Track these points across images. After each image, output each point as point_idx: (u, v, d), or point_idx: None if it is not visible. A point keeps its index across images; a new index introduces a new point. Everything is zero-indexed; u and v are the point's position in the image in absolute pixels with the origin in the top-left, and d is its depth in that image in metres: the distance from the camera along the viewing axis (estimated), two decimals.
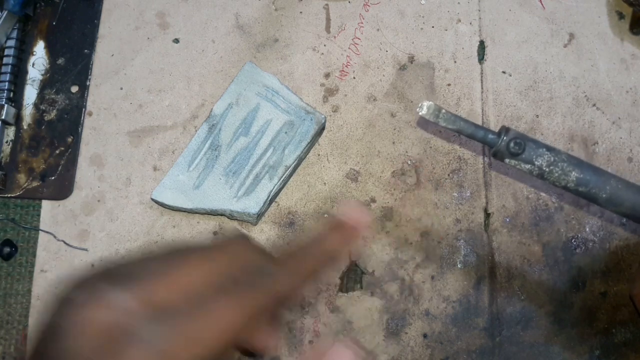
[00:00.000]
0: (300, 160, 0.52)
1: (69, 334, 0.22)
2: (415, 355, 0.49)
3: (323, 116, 0.52)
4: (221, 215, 0.51)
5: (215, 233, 0.51)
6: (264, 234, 0.51)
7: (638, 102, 0.55)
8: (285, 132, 0.51)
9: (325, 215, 0.32)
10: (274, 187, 0.50)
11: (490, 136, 0.39)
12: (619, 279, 0.52)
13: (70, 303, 0.23)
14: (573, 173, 0.39)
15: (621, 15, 0.57)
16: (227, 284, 0.25)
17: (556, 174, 0.39)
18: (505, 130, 0.39)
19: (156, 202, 0.51)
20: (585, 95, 0.55)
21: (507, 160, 0.40)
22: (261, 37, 0.56)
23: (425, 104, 0.39)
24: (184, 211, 0.51)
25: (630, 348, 0.50)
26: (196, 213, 0.51)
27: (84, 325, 0.22)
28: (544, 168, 0.39)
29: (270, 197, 0.50)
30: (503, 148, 0.39)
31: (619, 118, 0.55)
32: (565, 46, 0.57)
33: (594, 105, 0.55)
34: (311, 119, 0.51)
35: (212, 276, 0.25)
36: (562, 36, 0.57)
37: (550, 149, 0.39)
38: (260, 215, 0.51)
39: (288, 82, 0.55)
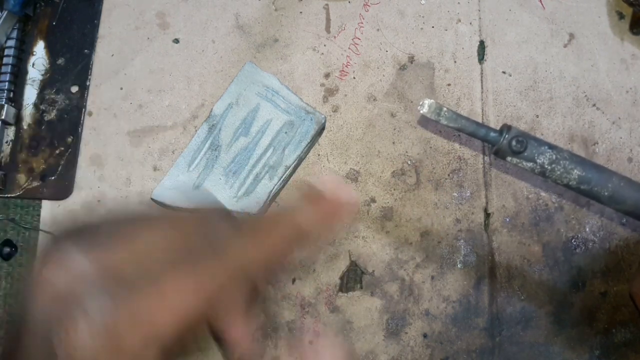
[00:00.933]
0: (300, 160, 0.52)
1: (30, 292, 0.23)
2: (415, 355, 0.49)
3: (323, 116, 0.52)
4: None
5: None
6: None
7: (638, 102, 0.55)
8: (285, 132, 0.51)
9: (305, 184, 0.28)
10: (274, 187, 0.50)
11: (492, 134, 0.39)
12: (619, 279, 0.52)
13: (39, 260, 0.23)
14: (575, 171, 0.39)
15: (621, 15, 0.57)
16: (184, 255, 0.24)
17: (558, 172, 0.39)
18: (507, 128, 0.39)
19: (156, 202, 0.51)
20: (585, 95, 0.55)
21: (508, 159, 0.40)
22: (261, 37, 0.56)
23: (427, 102, 0.39)
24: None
25: (630, 348, 0.50)
26: None
27: (43, 285, 0.23)
28: (546, 166, 0.39)
29: (270, 197, 0.50)
30: (505, 146, 0.39)
31: (619, 118, 0.55)
32: (565, 46, 0.57)
33: (594, 105, 0.55)
34: (311, 119, 0.51)
35: (172, 245, 0.24)
36: (562, 36, 0.57)
37: (552, 146, 0.39)
38: (260, 215, 0.50)
39: (288, 82, 0.55)
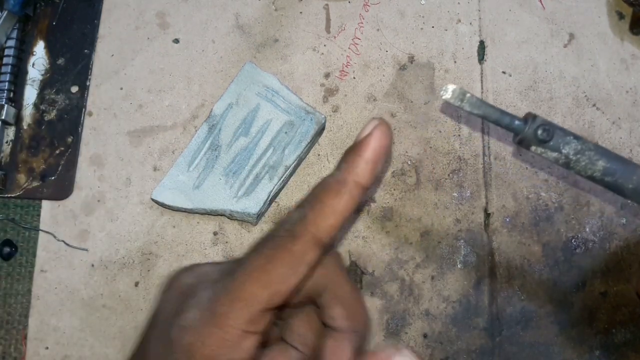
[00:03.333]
0: (300, 160, 0.52)
1: (163, 290, 0.29)
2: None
3: (323, 116, 0.52)
4: (221, 215, 0.51)
5: (215, 233, 0.51)
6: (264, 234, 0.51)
7: (638, 102, 0.55)
8: (285, 132, 0.51)
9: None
10: (274, 187, 0.50)
11: (517, 122, 0.38)
12: (619, 279, 0.52)
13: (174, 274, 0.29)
14: (600, 162, 0.38)
15: (621, 15, 0.57)
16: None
17: (583, 163, 0.38)
18: (532, 116, 0.38)
19: (156, 202, 0.51)
20: (585, 95, 0.55)
21: (533, 148, 0.39)
22: (261, 37, 0.56)
23: (450, 87, 0.38)
24: (184, 211, 0.51)
25: (630, 348, 0.50)
26: (196, 213, 0.51)
27: (172, 284, 0.29)
28: (571, 156, 0.38)
29: (270, 197, 0.50)
30: (530, 135, 0.38)
31: (619, 118, 0.55)
32: (565, 46, 0.57)
33: (594, 105, 0.55)
34: (311, 119, 0.51)
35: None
36: (562, 36, 0.57)
37: (577, 137, 0.38)
38: (260, 215, 0.50)
39: (288, 82, 0.55)
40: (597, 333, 0.50)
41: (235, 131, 0.51)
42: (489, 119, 0.38)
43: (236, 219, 0.51)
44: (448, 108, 0.54)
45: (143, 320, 0.49)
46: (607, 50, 0.56)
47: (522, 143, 0.39)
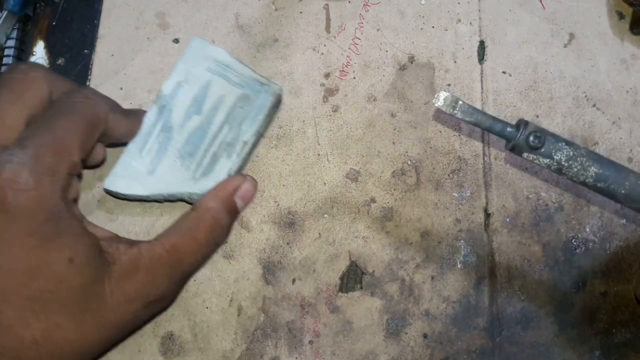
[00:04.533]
0: (259, 135, 0.50)
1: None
2: (415, 355, 0.49)
3: (278, 87, 0.50)
4: (180, 200, 0.50)
5: None
6: (263, 234, 0.51)
7: (638, 102, 0.55)
8: (240, 107, 0.49)
9: None
10: (233, 164, 0.48)
11: (509, 129, 0.38)
12: (619, 279, 0.52)
13: None
14: (592, 168, 0.38)
15: (621, 15, 0.57)
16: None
17: (575, 169, 0.38)
18: (524, 123, 0.38)
19: (109, 192, 0.49)
20: (585, 96, 0.55)
21: (525, 155, 0.39)
22: (261, 37, 0.56)
23: (442, 95, 0.38)
24: (140, 200, 0.49)
25: (631, 348, 0.50)
26: (154, 201, 0.50)
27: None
28: (563, 163, 0.38)
29: (230, 176, 0.48)
30: (522, 142, 0.38)
31: (619, 118, 0.55)
32: (565, 46, 0.57)
33: (594, 105, 0.55)
34: (267, 91, 0.49)
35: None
36: (562, 36, 0.57)
37: (569, 143, 0.39)
38: None
39: (288, 82, 0.55)
40: (597, 333, 0.50)
41: (187, 110, 0.49)
42: (481, 126, 0.39)
43: (196, 202, 0.49)
44: (441, 114, 0.54)
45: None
46: (607, 50, 0.56)
47: (514, 150, 0.39)
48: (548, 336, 0.50)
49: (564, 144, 0.38)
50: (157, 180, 0.48)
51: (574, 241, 0.52)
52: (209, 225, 0.45)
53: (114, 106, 0.45)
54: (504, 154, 0.54)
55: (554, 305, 0.51)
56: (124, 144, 0.49)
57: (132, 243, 0.41)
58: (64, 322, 0.36)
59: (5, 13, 0.54)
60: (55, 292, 0.36)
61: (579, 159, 0.38)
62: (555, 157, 0.38)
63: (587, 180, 0.39)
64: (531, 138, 0.38)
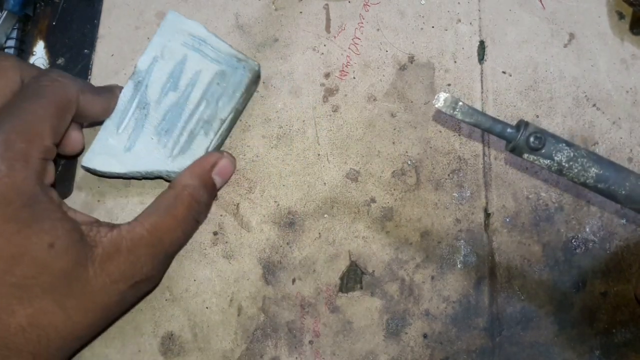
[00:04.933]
0: (237, 112, 0.50)
1: None
2: (415, 355, 0.49)
3: (256, 63, 0.49)
4: (158, 177, 0.50)
5: (215, 233, 0.51)
6: (263, 234, 0.51)
7: (638, 102, 0.55)
8: (217, 83, 0.48)
9: None
10: (211, 142, 0.48)
11: (509, 130, 0.38)
12: (619, 279, 0.52)
13: None
14: (593, 169, 0.38)
15: (621, 15, 0.57)
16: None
17: (575, 170, 0.38)
18: (524, 124, 0.38)
19: (87, 169, 0.49)
20: (586, 95, 0.55)
21: (525, 156, 0.39)
22: (261, 37, 0.56)
23: (442, 95, 0.38)
24: (118, 177, 0.49)
25: (631, 348, 0.50)
26: (131, 178, 0.49)
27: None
28: (564, 164, 0.38)
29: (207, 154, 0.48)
30: (522, 143, 0.38)
31: (619, 118, 0.55)
32: (565, 46, 0.57)
33: (594, 105, 0.55)
34: (244, 67, 0.49)
35: None
36: (562, 36, 0.57)
37: (569, 144, 0.38)
38: None
39: (288, 81, 0.55)
40: (597, 333, 0.50)
41: (163, 86, 0.48)
42: (482, 127, 0.38)
43: None
44: (442, 115, 0.54)
45: (143, 321, 0.49)
46: (607, 50, 0.56)
47: (514, 151, 0.39)
48: (548, 336, 0.50)
49: (564, 144, 0.38)
50: (135, 158, 0.48)
51: (574, 241, 0.52)
52: (187, 202, 0.45)
53: (85, 86, 0.44)
54: (504, 154, 0.54)
55: (554, 305, 0.51)
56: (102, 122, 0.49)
57: (112, 226, 0.42)
58: (49, 308, 0.36)
59: (5, 13, 0.54)
60: (38, 277, 0.36)
61: (579, 159, 0.38)
62: (555, 158, 0.38)
63: (587, 181, 0.39)
64: (531, 139, 0.38)
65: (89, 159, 0.48)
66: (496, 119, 0.39)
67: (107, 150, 0.48)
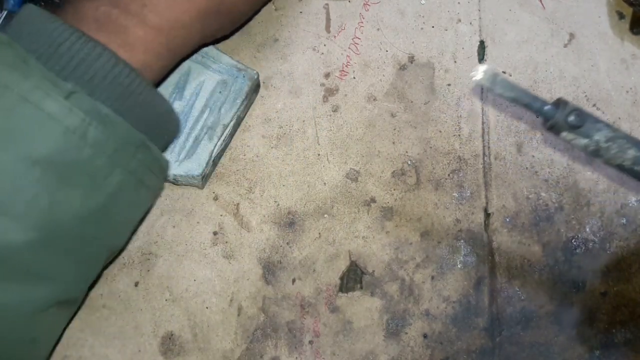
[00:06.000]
0: (239, 119, 0.52)
1: None
2: (415, 355, 0.49)
3: (255, 72, 0.52)
4: (166, 182, 0.51)
5: (215, 233, 0.51)
6: (263, 234, 0.51)
7: (638, 102, 0.55)
8: (220, 92, 0.51)
9: None
10: (215, 147, 0.50)
11: (547, 107, 0.38)
12: (619, 279, 0.52)
13: None
14: (630, 151, 0.38)
15: (621, 15, 0.57)
16: None
17: (613, 151, 0.38)
18: (563, 102, 0.38)
19: None
20: (586, 95, 0.55)
21: (563, 134, 0.38)
22: (261, 37, 0.56)
23: (481, 68, 0.37)
24: None
25: (631, 348, 0.50)
26: None
27: None
28: (602, 144, 0.38)
29: (212, 158, 0.50)
30: (562, 120, 0.37)
31: (619, 118, 0.55)
32: (565, 46, 0.57)
33: (594, 105, 0.55)
34: (244, 76, 0.51)
35: None
36: (562, 36, 0.57)
37: (608, 125, 0.38)
38: (205, 177, 0.50)
39: (288, 81, 0.55)
40: (597, 333, 0.50)
41: (169, 97, 0.51)
42: (520, 102, 0.38)
43: (182, 184, 0.51)
44: (448, 108, 0.54)
45: (143, 321, 0.49)
46: (607, 50, 0.56)
47: (552, 129, 0.38)
48: (548, 336, 0.50)
49: (603, 124, 0.38)
50: None
51: (574, 241, 0.52)
52: None
53: None
54: (504, 154, 0.54)
55: (554, 305, 0.51)
56: None
57: None
58: None
59: (5, 13, 0.54)
60: None
61: (618, 140, 0.37)
62: (594, 137, 0.38)
63: (624, 163, 0.38)
64: (572, 117, 0.37)
65: None
66: (535, 95, 0.38)
67: None
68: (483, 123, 0.54)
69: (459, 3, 0.57)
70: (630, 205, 0.53)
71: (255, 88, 0.53)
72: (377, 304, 0.50)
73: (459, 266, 0.51)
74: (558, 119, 0.37)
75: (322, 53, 0.56)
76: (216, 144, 0.50)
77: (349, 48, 0.56)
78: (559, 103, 0.38)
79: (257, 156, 0.53)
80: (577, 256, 0.52)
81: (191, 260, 0.51)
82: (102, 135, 0.35)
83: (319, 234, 0.51)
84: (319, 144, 0.53)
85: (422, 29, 0.57)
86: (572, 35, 0.57)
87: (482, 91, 0.55)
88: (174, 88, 0.51)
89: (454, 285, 0.51)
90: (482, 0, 0.57)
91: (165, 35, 0.40)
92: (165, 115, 0.43)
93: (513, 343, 0.50)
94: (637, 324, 0.51)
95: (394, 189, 0.53)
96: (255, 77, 0.52)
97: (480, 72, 0.36)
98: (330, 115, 0.54)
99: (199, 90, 0.51)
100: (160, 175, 0.42)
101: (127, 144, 0.37)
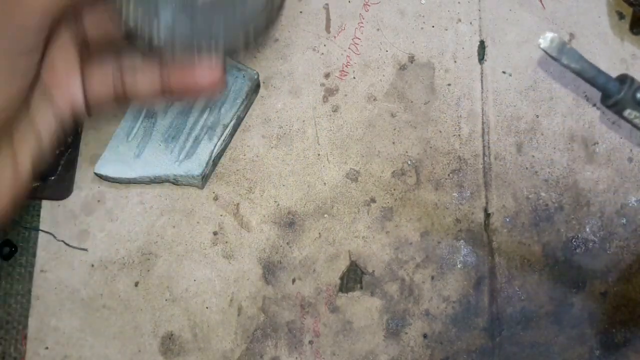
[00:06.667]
0: (239, 119, 0.52)
1: None
2: (415, 355, 0.49)
3: (255, 72, 0.52)
4: (165, 181, 0.51)
5: (215, 233, 0.51)
6: (263, 234, 0.51)
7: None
8: (219, 92, 0.51)
9: None
10: (215, 147, 0.50)
11: (612, 83, 0.37)
12: (619, 279, 0.52)
13: None
14: None
15: (621, 15, 0.57)
16: None
17: None
18: (630, 79, 0.36)
19: (100, 176, 0.51)
20: (585, 95, 0.55)
21: (627, 112, 0.36)
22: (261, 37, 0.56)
23: (549, 35, 0.35)
24: (129, 182, 0.51)
25: (631, 348, 0.50)
26: (141, 183, 0.51)
27: None
28: None
29: (212, 158, 0.50)
30: (628, 96, 0.36)
31: (619, 118, 0.55)
32: None
33: (594, 105, 0.55)
34: (244, 76, 0.52)
35: None
36: (562, 36, 0.57)
37: None
38: (205, 177, 0.51)
39: (288, 82, 0.55)
40: (597, 333, 0.50)
41: None
42: (584, 75, 0.36)
43: (182, 184, 0.51)
44: (448, 108, 0.54)
45: (143, 321, 0.49)
46: (607, 50, 0.56)
47: (616, 105, 0.36)
48: (548, 336, 0.50)
49: None
50: (144, 163, 0.50)
51: (574, 241, 0.52)
52: None
53: None
54: (504, 154, 0.54)
55: (553, 305, 0.51)
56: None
57: None
58: None
59: None
60: None
61: None
62: None
63: None
64: (639, 94, 0.36)
65: (101, 166, 0.50)
66: (600, 69, 0.36)
67: (118, 157, 0.50)
68: (483, 123, 0.54)
69: (459, 3, 0.57)
70: (630, 205, 0.53)
71: (255, 88, 0.53)
72: (377, 304, 0.50)
73: (459, 266, 0.51)
74: (623, 96, 0.36)
75: (322, 53, 0.56)
76: (216, 144, 0.50)
77: (349, 48, 0.56)
78: (624, 79, 0.36)
79: (257, 156, 0.53)
80: (577, 256, 0.52)
81: (191, 260, 0.51)
82: None
83: (319, 234, 0.51)
84: (319, 144, 0.53)
85: (422, 28, 0.56)
86: (572, 35, 0.57)
87: (482, 91, 0.55)
88: None
89: (454, 285, 0.51)
90: (482, 0, 0.57)
91: None
92: None
93: (513, 343, 0.50)
94: (637, 324, 0.51)
95: (394, 189, 0.53)
96: (255, 77, 0.52)
97: (547, 40, 0.35)
98: (330, 115, 0.54)
99: None
100: None
101: None
